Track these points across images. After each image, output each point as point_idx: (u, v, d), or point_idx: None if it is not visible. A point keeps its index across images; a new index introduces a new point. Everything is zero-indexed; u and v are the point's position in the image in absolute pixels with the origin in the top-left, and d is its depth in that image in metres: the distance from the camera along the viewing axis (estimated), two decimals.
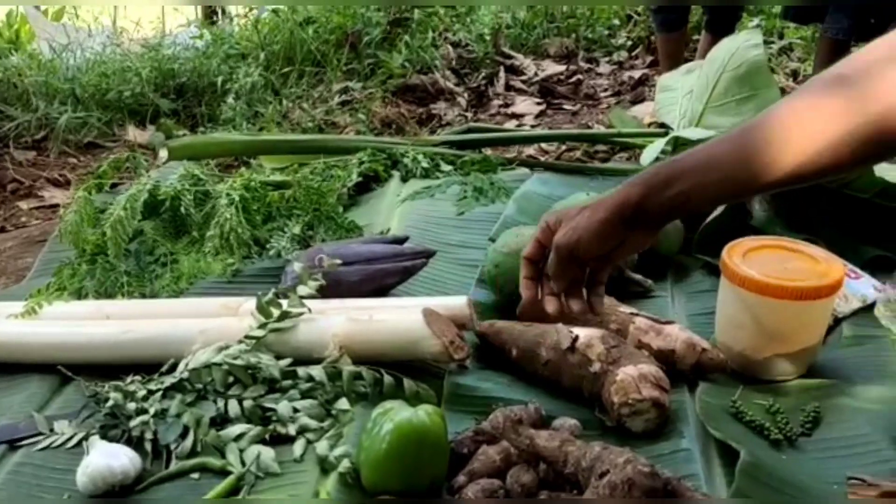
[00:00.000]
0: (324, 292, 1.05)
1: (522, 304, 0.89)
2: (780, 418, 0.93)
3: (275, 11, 3.52)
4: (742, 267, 1.02)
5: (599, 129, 2.21)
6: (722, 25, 2.45)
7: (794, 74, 2.84)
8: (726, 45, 1.63)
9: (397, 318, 0.98)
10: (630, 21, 3.86)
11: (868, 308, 1.17)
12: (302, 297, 1.00)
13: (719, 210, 1.34)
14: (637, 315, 1.08)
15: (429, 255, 1.23)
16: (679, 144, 1.45)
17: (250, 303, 1.05)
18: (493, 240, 1.36)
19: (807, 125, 0.72)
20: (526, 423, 0.90)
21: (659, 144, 1.46)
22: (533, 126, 2.57)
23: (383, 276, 1.15)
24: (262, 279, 1.28)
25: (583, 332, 1.00)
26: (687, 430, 0.92)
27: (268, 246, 1.35)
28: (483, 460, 0.84)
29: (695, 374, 1.02)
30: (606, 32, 3.71)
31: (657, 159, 1.58)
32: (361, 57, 3.19)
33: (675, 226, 1.33)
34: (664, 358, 1.02)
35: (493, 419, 0.88)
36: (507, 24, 3.65)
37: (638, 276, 1.27)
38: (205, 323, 1.02)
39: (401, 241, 1.25)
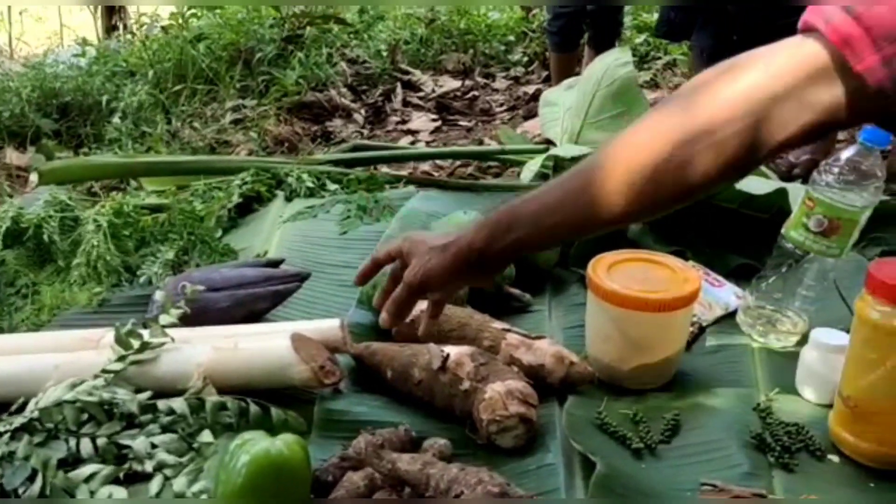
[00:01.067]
0: (190, 320, 1.02)
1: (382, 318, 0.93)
2: (642, 427, 0.95)
3: (164, 29, 3.43)
4: (606, 281, 1.05)
5: (491, 144, 2.24)
6: (603, 41, 2.54)
7: (678, 88, 2.96)
8: (599, 64, 1.68)
9: (264, 344, 0.96)
10: (526, 37, 3.95)
11: (730, 315, 1.22)
12: (164, 326, 0.96)
13: None
14: (509, 331, 1.10)
15: (303, 277, 1.21)
16: (558, 161, 1.48)
17: (112, 335, 1.01)
18: None
19: (624, 159, 0.74)
20: (393, 446, 0.89)
21: (537, 161, 1.49)
22: (428, 142, 2.59)
23: (254, 300, 1.12)
24: (132, 308, 1.23)
25: (454, 351, 1.01)
26: (553, 444, 0.94)
27: (138, 273, 1.30)
28: (347, 487, 0.83)
29: (564, 388, 1.03)
30: (503, 48, 3.77)
31: (542, 174, 1.62)
32: (255, 74, 3.14)
33: None
34: (534, 372, 1.03)
35: (356, 444, 0.87)
36: (404, 41, 3.66)
37: (516, 291, 1.28)
38: (60, 357, 0.97)
39: (275, 263, 1.23)
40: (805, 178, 2.08)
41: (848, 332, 1.04)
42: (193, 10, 3.58)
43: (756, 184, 1.43)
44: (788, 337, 1.15)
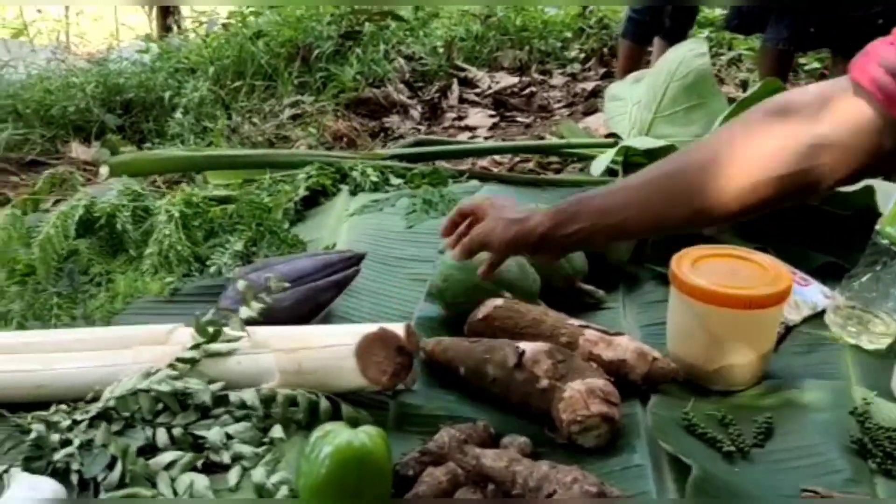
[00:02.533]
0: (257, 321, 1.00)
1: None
2: (732, 430, 0.91)
3: (224, 26, 3.46)
4: (691, 276, 1.00)
5: (551, 140, 2.20)
6: (676, 33, 2.47)
7: (744, 84, 2.88)
8: (673, 55, 1.63)
9: (327, 364, 0.93)
10: (583, 34, 3.89)
11: (818, 315, 1.17)
12: (243, 320, 0.95)
13: None
14: (587, 327, 1.06)
15: (359, 259, 1.19)
16: (629, 154, 1.44)
17: (181, 331, 1.00)
18: (442, 252, 1.34)
19: (677, 191, 0.83)
20: (474, 441, 0.87)
21: (609, 155, 1.45)
22: (486, 138, 2.56)
23: (316, 293, 1.10)
24: (202, 298, 1.22)
25: (529, 348, 0.98)
26: (639, 445, 0.90)
27: (208, 263, 1.30)
28: (429, 482, 0.81)
29: (646, 384, 0.99)
30: (559, 45, 3.73)
31: (609, 170, 1.57)
32: (313, 70, 3.15)
33: None
34: (615, 368, 0.99)
35: (438, 439, 0.84)
36: (460, 37, 3.64)
37: (589, 287, 1.25)
38: (139, 354, 0.96)
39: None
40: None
41: None
42: (253, 9, 3.61)
43: None
44: (881, 338, 1.09)
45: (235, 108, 3.03)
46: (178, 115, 2.87)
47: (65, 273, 1.28)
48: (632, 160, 1.50)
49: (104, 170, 1.75)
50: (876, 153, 0.74)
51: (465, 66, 3.41)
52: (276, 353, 0.94)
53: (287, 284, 1.01)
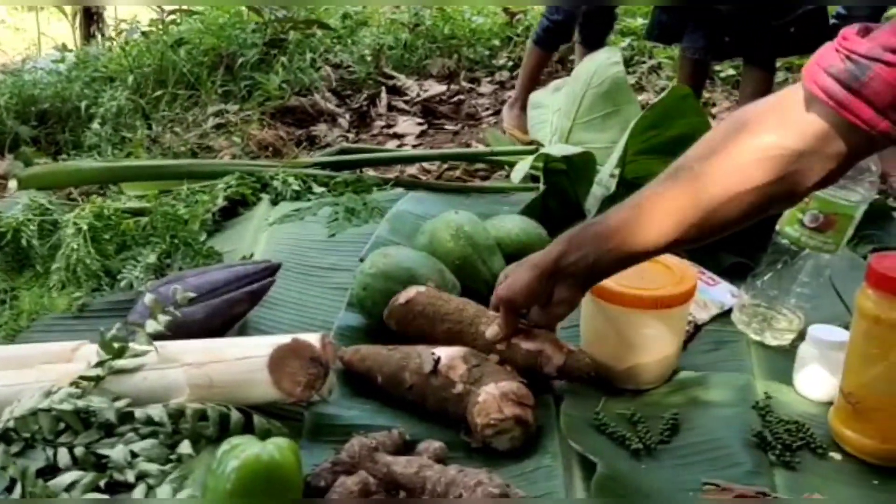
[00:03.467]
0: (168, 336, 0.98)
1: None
2: (641, 427, 0.93)
3: (144, 34, 3.39)
4: None
5: (478, 147, 2.22)
6: (594, 41, 2.53)
7: (664, 91, 2.96)
8: (589, 63, 1.67)
9: (239, 377, 0.91)
10: (510, 42, 3.94)
11: (725, 314, 1.20)
12: (151, 334, 0.93)
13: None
14: None
15: (274, 269, 1.17)
16: (548, 161, 1.46)
17: (87, 348, 0.97)
18: (362, 261, 1.33)
19: (659, 211, 0.85)
20: (388, 449, 0.87)
21: (527, 162, 1.47)
22: (414, 146, 2.56)
23: (230, 305, 1.09)
24: (112, 313, 1.19)
25: (445, 353, 0.98)
26: (551, 446, 0.91)
27: (119, 277, 1.26)
28: (340, 492, 0.80)
29: (562, 376, 1.00)
30: (487, 53, 3.76)
31: (530, 176, 1.60)
32: (237, 79, 3.11)
33: (545, 241, 1.33)
34: (532, 359, 0.99)
35: (349, 448, 0.84)
36: (388, 46, 3.64)
37: None
38: (42, 373, 0.93)
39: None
40: None
41: (846, 328, 1.04)
42: (174, 17, 3.55)
43: None
44: (784, 334, 1.14)
45: (156, 117, 2.96)
46: (95, 125, 2.79)
47: None
48: (551, 167, 1.53)
49: (13, 183, 1.69)
50: (840, 154, 0.77)
51: (393, 73, 3.42)
52: (186, 367, 0.92)
53: (192, 296, 0.99)
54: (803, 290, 1.12)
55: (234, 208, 1.59)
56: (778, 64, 2.25)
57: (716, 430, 0.92)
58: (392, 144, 2.60)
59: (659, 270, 1.05)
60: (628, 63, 3.45)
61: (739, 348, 1.13)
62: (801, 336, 1.11)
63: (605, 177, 1.38)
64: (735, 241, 1.39)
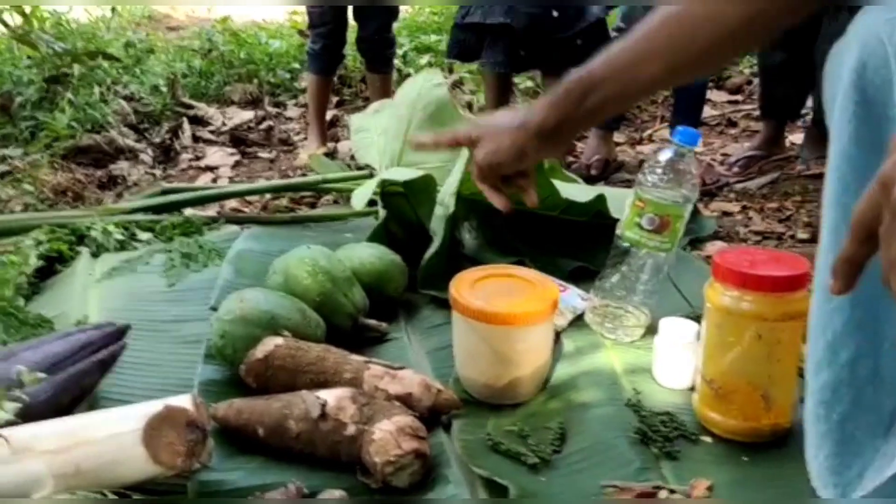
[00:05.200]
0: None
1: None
2: (531, 441, 0.96)
3: None
4: (470, 299, 1.05)
5: (298, 175, 2.17)
6: (378, 64, 2.60)
7: (470, 106, 3.08)
8: (411, 86, 1.70)
9: (111, 458, 0.83)
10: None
11: (579, 317, 1.28)
12: None
13: (436, 245, 1.38)
14: (370, 362, 1.06)
15: (122, 332, 1.08)
16: (387, 185, 1.46)
17: None
18: (215, 308, 1.26)
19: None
20: None
21: (369, 187, 1.46)
22: (231, 178, 2.46)
23: (77, 379, 0.98)
24: None
25: (331, 396, 0.95)
26: (451, 474, 0.92)
27: None
28: None
29: (432, 416, 1.01)
30: (288, 76, 3.70)
31: (370, 202, 1.59)
32: (16, 120, 2.81)
33: (399, 266, 1.34)
34: (402, 402, 1.00)
35: None
36: (183, 73, 3.47)
37: (372, 322, 1.25)
38: None
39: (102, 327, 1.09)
40: (600, 176, 2.26)
41: (689, 318, 1.14)
42: None
43: (575, 191, 1.52)
44: (635, 330, 1.22)
45: None
46: None
47: None
48: (389, 190, 1.53)
49: None
50: None
51: (192, 102, 3.25)
52: (45, 455, 0.82)
53: (42, 375, 0.89)
54: (646, 287, 1.22)
55: (51, 267, 1.44)
56: None
57: (599, 432, 0.97)
58: (206, 178, 2.48)
59: (521, 286, 1.09)
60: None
61: (598, 348, 1.20)
62: (651, 330, 1.21)
63: (447, 196, 1.41)
64: (573, 245, 1.49)
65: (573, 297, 1.30)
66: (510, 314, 1.02)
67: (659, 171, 1.15)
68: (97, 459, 0.83)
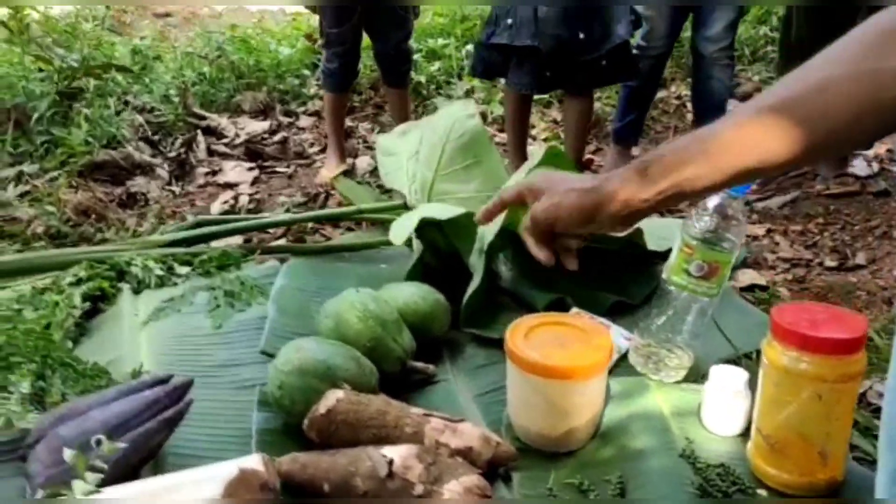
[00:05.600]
0: None
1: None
2: (592, 496, 0.98)
3: None
4: (526, 351, 1.07)
5: (345, 208, 2.13)
6: (395, 77, 2.60)
7: (483, 116, 3.09)
8: (445, 114, 1.71)
9: None
10: (317, 68, 3.90)
11: (622, 357, 1.30)
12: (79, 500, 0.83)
13: (476, 282, 1.40)
14: (430, 415, 1.08)
15: (186, 388, 1.09)
16: (427, 222, 1.48)
17: None
18: (265, 353, 1.28)
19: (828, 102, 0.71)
20: None
21: (410, 223, 1.47)
22: (251, 196, 2.47)
23: (147, 439, 0.99)
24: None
25: (397, 454, 0.97)
26: None
27: None
28: None
29: (490, 468, 1.03)
30: (297, 82, 3.70)
31: (410, 238, 1.60)
32: (30, 135, 2.80)
33: (443, 306, 1.35)
34: (462, 455, 1.02)
35: None
36: (192, 82, 3.46)
37: (420, 365, 1.27)
38: None
39: (161, 382, 1.10)
40: None
41: (733, 361, 1.17)
42: None
43: None
44: (678, 371, 1.24)
45: None
46: None
47: None
48: (424, 220, 1.54)
49: None
50: None
51: (204, 113, 3.26)
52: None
53: (122, 445, 0.90)
54: (691, 330, 1.23)
55: (93, 305, 1.45)
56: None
57: (659, 486, 0.99)
58: (226, 195, 2.49)
59: (575, 335, 1.11)
60: (439, 88, 3.57)
61: (644, 390, 1.22)
62: (693, 371, 1.23)
63: (488, 233, 1.42)
64: (609, 279, 1.51)
65: (617, 337, 1.32)
66: (567, 368, 1.04)
67: (707, 218, 1.16)
68: None
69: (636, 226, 1.46)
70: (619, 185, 0.83)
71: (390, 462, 0.96)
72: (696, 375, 1.25)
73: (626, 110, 2.43)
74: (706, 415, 1.13)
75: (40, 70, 3.03)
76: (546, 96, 3.11)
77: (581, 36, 2.07)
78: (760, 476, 1.01)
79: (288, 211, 2.32)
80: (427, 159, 1.71)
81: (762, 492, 0.99)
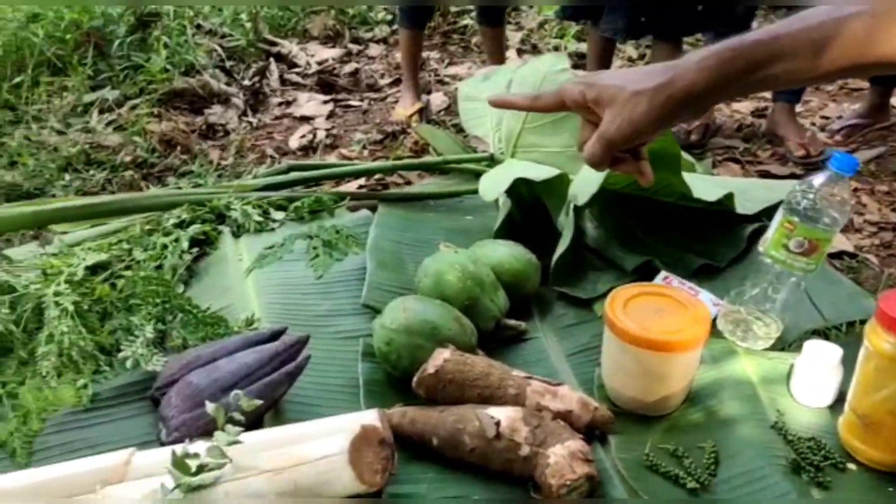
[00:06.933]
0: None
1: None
2: (687, 463, 1.04)
3: None
4: (624, 320, 1.11)
5: (430, 158, 2.15)
6: (492, 17, 2.55)
7: (555, 48, 3.04)
8: (535, 67, 1.71)
9: (323, 478, 0.91)
10: None
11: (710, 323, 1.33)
12: (222, 448, 0.91)
13: (566, 242, 1.43)
14: (531, 378, 1.13)
15: (303, 343, 1.17)
16: (523, 183, 1.50)
17: (137, 459, 0.95)
18: (367, 306, 1.34)
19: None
20: None
21: (499, 180, 1.50)
22: (328, 131, 2.50)
23: (271, 390, 1.07)
24: (126, 399, 1.15)
25: (503, 416, 1.03)
26: (613, 491, 1.00)
27: (119, 356, 1.20)
28: None
29: (587, 432, 1.09)
30: (364, 7, 3.66)
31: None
32: (109, 60, 2.85)
33: (534, 265, 1.39)
34: (562, 418, 1.08)
35: None
36: (262, 5, 3.46)
37: (512, 322, 1.32)
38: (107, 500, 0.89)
39: (278, 334, 1.18)
40: (700, 142, 2.26)
41: (821, 335, 1.20)
42: None
43: (699, 182, 1.53)
44: (766, 340, 1.28)
45: (23, 109, 2.68)
46: None
47: None
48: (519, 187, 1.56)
49: None
50: None
51: (275, 39, 3.26)
52: (266, 474, 0.92)
53: (259, 403, 0.98)
54: (784, 302, 1.26)
55: (199, 247, 1.53)
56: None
57: (751, 458, 1.04)
58: (304, 129, 2.52)
59: (674, 307, 1.14)
60: (510, 14, 3.50)
61: (733, 358, 1.25)
62: (781, 340, 1.26)
63: (581, 194, 1.44)
64: (695, 238, 1.53)
65: (707, 302, 1.35)
66: (669, 342, 1.08)
67: (811, 195, 1.17)
68: (311, 479, 0.93)
69: (727, 190, 1.49)
70: (695, 76, 0.76)
71: (497, 423, 1.02)
72: (783, 344, 1.28)
73: None
74: (796, 386, 1.16)
75: None
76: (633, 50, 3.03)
77: None
78: (850, 450, 1.05)
79: (364, 148, 2.35)
80: (514, 112, 1.72)
81: (852, 466, 1.04)
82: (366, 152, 2.31)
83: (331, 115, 2.63)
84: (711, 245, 1.52)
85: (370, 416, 1.02)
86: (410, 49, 2.57)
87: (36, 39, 2.85)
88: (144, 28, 2.89)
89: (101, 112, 2.57)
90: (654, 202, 1.60)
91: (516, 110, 0.96)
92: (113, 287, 1.33)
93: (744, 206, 1.56)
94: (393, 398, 1.15)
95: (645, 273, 1.44)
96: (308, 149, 2.37)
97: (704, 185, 1.53)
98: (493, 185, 1.51)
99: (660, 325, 1.10)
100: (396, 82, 2.94)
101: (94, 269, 1.39)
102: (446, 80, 2.94)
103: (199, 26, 3.18)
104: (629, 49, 3.06)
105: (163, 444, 1.04)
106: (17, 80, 2.80)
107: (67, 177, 2.24)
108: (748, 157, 2.19)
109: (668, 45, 2.20)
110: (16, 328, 1.21)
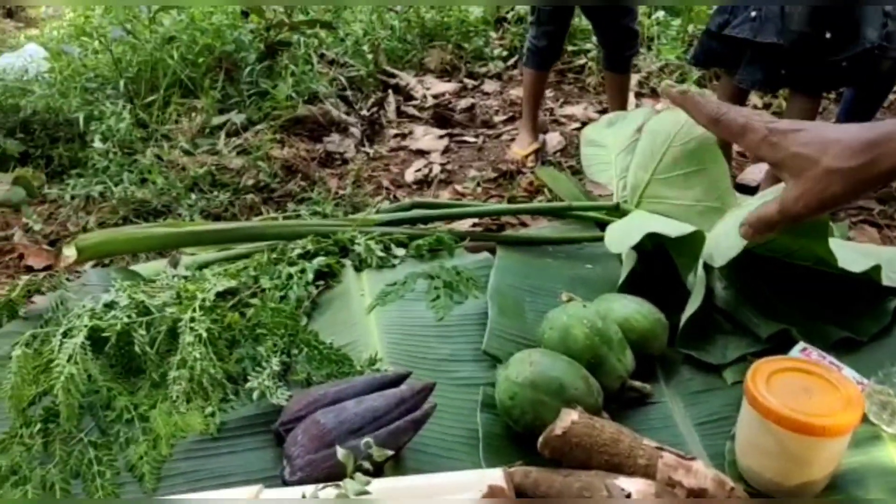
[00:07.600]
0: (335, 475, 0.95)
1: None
2: None
3: (130, 32, 3.19)
4: (770, 399, 1.04)
5: (556, 203, 2.14)
6: (617, 62, 2.52)
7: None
8: (669, 119, 1.66)
9: None
10: (501, 26, 3.88)
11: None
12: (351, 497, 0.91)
13: (697, 303, 1.37)
14: (663, 449, 1.08)
15: (430, 390, 1.15)
16: (657, 239, 1.45)
17: (266, 496, 0.95)
18: (488, 354, 1.32)
19: None
20: None
21: (629, 234, 1.46)
22: (443, 166, 2.52)
23: (395, 437, 1.06)
24: (252, 430, 1.16)
25: (633, 487, 0.99)
26: None
27: (247, 386, 1.22)
28: None
29: None
30: (482, 42, 3.70)
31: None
32: (237, 84, 2.98)
33: (663, 325, 1.34)
34: (695, 496, 1.02)
35: None
36: (383, 38, 3.54)
37: (637, 384, 1.27)
38: None
39: (401, 379, 1.17)
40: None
41: None
42: (156, 7, 3.34)
43: (846, 253, 1.44)
44: None
45: (154, 126, 2.82)
46: (97, 143, 2.65)
47: (86, 410, 1.17)
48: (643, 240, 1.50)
49: (70, 252, 1.59)
50: None
51: (394, 71, 3.33)
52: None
53: (390, 453, 0.97)
54: None
55: (323, 280, 1.55)
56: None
57: None
58: (419, 163, 2.55)
59: (822, 386, 1.07)
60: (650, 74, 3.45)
61: (879, 443, 1.17)
62: None
63: (722, 257, 1.38)
64: (833, 307, 1.44)
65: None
66: (818, 426, 1.01)
67: None
68: None
69: (872, 259, 1.40)
70: (883, 160, 0.69)
71: (628, 495, 0.98)
72: None
73: (850, 111, 2.27)
74: None
75: (251, 21, 3.18)
76: (756, 100, 2.95)
77: (828, 35, 1.93)
78: None
79: (479, 185, 2.35)
80: (644, 160, 1.68)
81: None
82: (479, 189, 2.30)
83: (446, 150, 2.65)
84: (852, 317, 1.43)
85: (496, 476, 0.99)
86: (533, 89, 2.57)
87: (171, 61, 3.00)
88: (273, 56, 3.00)
89: (228, 136, 2.67)
90: (786, 264, 1.52)
91: (699, 123, 0.90)
92: (242, 315, 1.36)
93: (889, 278, 1.46)
94: (512, 453, 1.12)
95: (778, 342, 1.36)
96: (423, 183, 2.39)
97: (847, 253, 1.44)
98: (622, 237, 1.47)
99: (808, 405, 1.04)
100: (511, 119, 2.95)
101: (222, 295, 1.43)
102: (562, 119, 2.92)
103: (322, 55, 3.28)
104: (754, 97, 2.97)
105: (285, 483, 1.04)
106: (150, 98, 2.95)
107: (193, 196, 2.33)
108: (885, 219, 2.07)
109: (807, 99, 2.12)
110: (150, 349, 1.24)
